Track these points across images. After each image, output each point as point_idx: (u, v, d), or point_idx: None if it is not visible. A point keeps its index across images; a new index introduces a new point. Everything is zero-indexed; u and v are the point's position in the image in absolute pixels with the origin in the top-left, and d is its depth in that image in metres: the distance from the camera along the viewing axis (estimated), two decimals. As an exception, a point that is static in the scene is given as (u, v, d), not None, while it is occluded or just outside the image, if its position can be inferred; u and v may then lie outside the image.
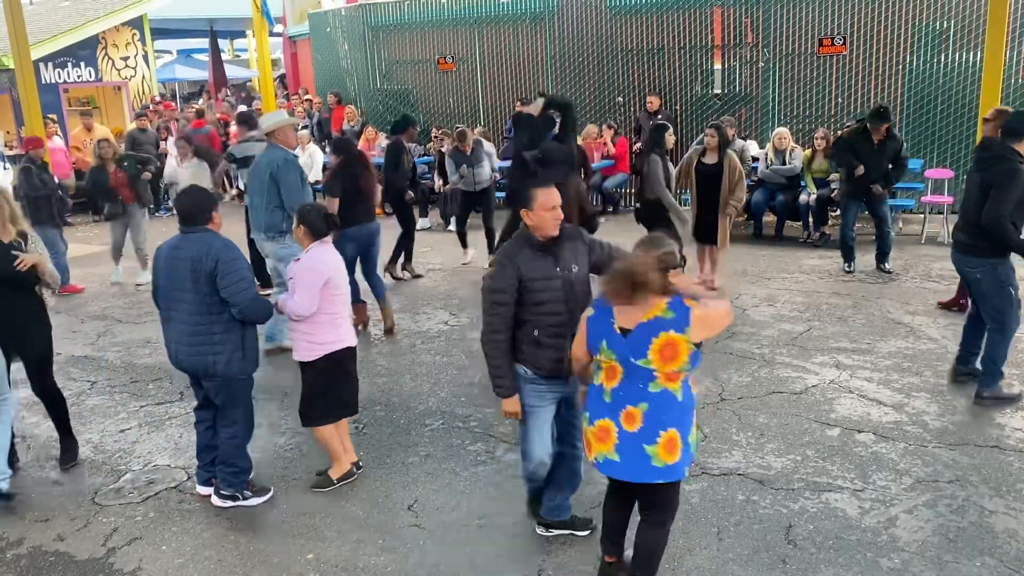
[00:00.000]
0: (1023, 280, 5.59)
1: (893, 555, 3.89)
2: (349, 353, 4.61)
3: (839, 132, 10.30)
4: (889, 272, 8.62)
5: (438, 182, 12.31)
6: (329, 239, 4.57)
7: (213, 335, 4.31)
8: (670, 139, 7.95)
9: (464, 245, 9.62)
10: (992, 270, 5.29)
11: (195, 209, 4.35)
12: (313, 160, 12.13)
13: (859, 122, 8.82)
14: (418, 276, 9.14)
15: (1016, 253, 5.19)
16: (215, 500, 4.60)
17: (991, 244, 5.22)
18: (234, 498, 4.58)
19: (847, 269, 8.73)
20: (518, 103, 12.84)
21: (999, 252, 5.25)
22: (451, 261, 9.67)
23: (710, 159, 7.76)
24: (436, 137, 13.00)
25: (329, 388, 4.57)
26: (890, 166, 8.51)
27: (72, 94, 16.59)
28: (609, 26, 12.98)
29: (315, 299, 4.38)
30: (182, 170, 8.86)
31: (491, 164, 9.67)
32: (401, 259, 9.13)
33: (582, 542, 4.07)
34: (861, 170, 8.34)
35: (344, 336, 4.57)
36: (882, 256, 8.74)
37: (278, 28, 20.55)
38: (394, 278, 9.01)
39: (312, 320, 4.44)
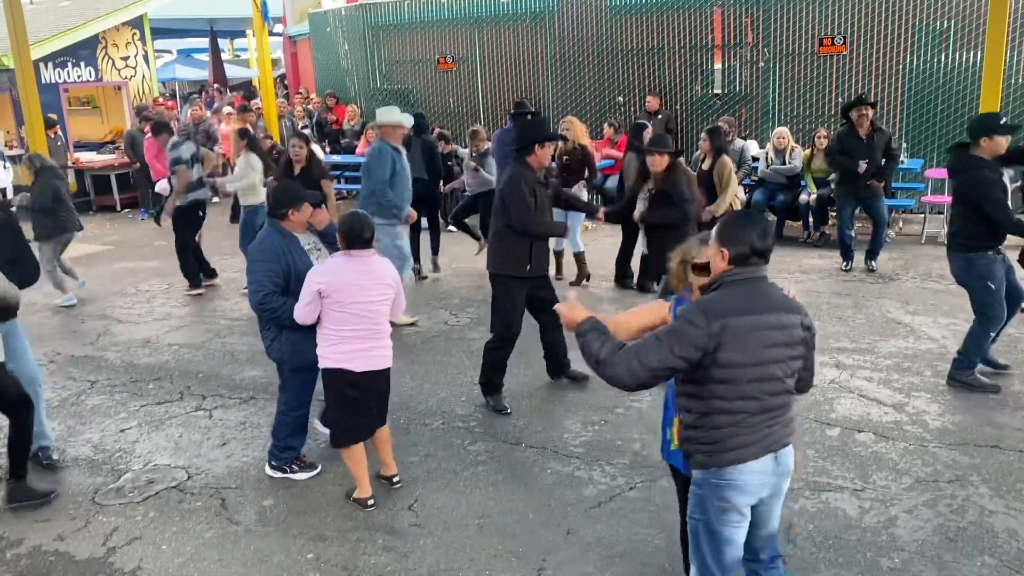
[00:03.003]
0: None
1: (893, 555, 3.89)
2: (349, 377, 4.32)
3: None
4: (873, 271, 8.65)
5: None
6: (356, 252, 4.29)
7: (261, 320, 4.70)
8: (648, 136, 7.95)
9: (476, 236, 9.44)
10: (968, 265, 5.50)
11: (273, 203, 4.72)
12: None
13: (844, 123, 8.82)
14: (422, 277, 9.16)
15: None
16: (267, 469, 4.90)
17: (967, 239, 5.49)
18: (281, 470, 4.86)
19: (844, 268, 8.77)
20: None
21: (974, 247, 5.47)
22: (451, 261, 9.66)
23: (706, 164, 7.79)
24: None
25: (332, 405, 4.49)
26: (883, 160, 8.49)
27: (72, 94, 16.58)
28: (609, 26, 12.97)
29: (307, 307, 4.27)
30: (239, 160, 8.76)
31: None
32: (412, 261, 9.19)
33: (583, 541, 4.08)
34: (863, 167, 8.34)
35: (346, 358, 4.30)
36: (872, 254, 8.79)
37: (278, 28, 20.56)
38: (418, 275, 9.10)
39: (318, 329, 4.37)
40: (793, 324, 2.89)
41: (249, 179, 8.46)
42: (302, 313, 4.31)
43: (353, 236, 4.28)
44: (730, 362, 2.77)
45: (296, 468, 4.86)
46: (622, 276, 8.48)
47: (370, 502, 4.49)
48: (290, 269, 4.51)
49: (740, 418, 2.82)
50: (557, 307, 3.11)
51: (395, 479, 4.67)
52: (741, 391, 2.80)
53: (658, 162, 6.38)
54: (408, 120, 7.66)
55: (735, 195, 7.74)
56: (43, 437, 5.08)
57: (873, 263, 8.76)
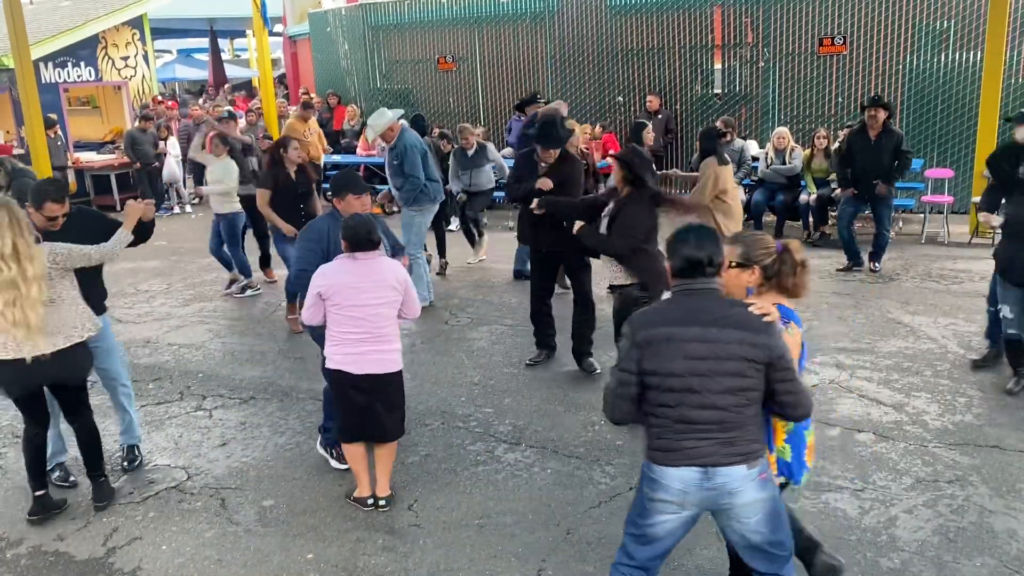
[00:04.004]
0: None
1: (893, 555, 3.89)
2: (349, 379, 4.30)
3: (840, 132, 10.31)
4: (877, 271, 8.61)
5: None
6: (361, 255, 4.26)
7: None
8: (648, 136, 7.91)
9: (476, 239, 9.76)
10: None
11: (332, 188, 4.97)
12: (314, 158, 12.11)
13: (859, 121, 8.79)
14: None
15: None
16: (317, 446, 5.10)
17: None
18: (325, 450, 5.03)
19: (849, 268, 8.68)
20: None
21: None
22: (451, 261, 9.65)
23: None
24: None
25: (335, 404, 4.50)
26: (895, 162, 8.33)
27: (72, 94, 16.58)
28: (609, 26, 12.98)
29: (310, 309, 4.30)
30: (216, 164, 8.76)
31: (497, 166, 9.54)
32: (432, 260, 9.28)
33: (583, 541, 4.08)
34: (851, 191, 8.41)
35: (346, 360, 4.28)
36: (875, 255, 8.70)
37: (278, 28, 20.58)
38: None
39: (326, 330, 4.37)
40: (725, 340, 2.85)
41: (225, 185, 8.47)
42: (306, 315, 4.36)
43: (358, 240, 4.25)
44: (650, 370, 2.94)
45: (335, 454, 4.93)
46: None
47: (370, 502, 4.47)
48: (329, 250, 4.66)
49: (662, 423, 2.98)
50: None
51: (381, 502, 4.47)
52: (661, 399, 2.95)
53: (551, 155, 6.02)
54: (387, 116, 7.63)
55: (719, 194, 7.03)
56: (63, 454, 4.99)
57: (877, 264, 8.69)
